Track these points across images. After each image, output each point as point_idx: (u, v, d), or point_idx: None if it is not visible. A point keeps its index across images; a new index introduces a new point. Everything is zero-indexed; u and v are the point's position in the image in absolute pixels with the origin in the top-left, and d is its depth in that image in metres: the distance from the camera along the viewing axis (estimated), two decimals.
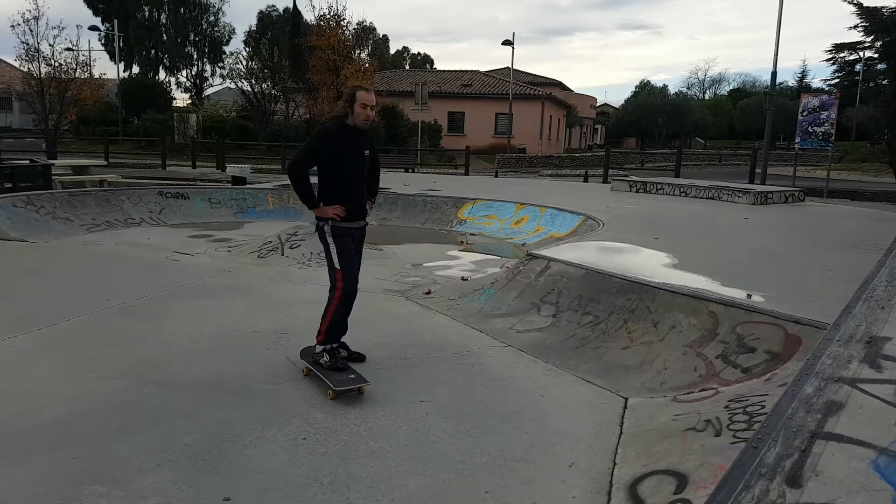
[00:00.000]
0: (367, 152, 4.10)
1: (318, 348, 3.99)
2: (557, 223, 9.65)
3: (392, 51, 67.94)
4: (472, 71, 43.97)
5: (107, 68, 69.47)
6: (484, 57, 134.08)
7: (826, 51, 43.60)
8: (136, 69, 48.32)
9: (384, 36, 64.09)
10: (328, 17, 27.36)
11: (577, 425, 3.42)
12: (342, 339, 4.22)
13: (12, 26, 21.49)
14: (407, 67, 60.38)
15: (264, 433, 3.24)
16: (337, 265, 3.98)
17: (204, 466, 2.92)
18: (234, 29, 50.92)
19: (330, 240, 3.99)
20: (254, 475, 2.86)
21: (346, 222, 3.99)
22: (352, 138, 3.97)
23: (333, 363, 3.92)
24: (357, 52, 29.63)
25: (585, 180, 20.66)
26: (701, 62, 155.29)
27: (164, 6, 47.62)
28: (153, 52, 48.65)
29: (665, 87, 72.03)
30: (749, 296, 4.51)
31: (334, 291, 3.98)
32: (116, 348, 4.38)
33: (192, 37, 48.77)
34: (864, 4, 22.17)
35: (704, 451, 2.83)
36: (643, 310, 4.57)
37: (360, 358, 4.20)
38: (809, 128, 16.84)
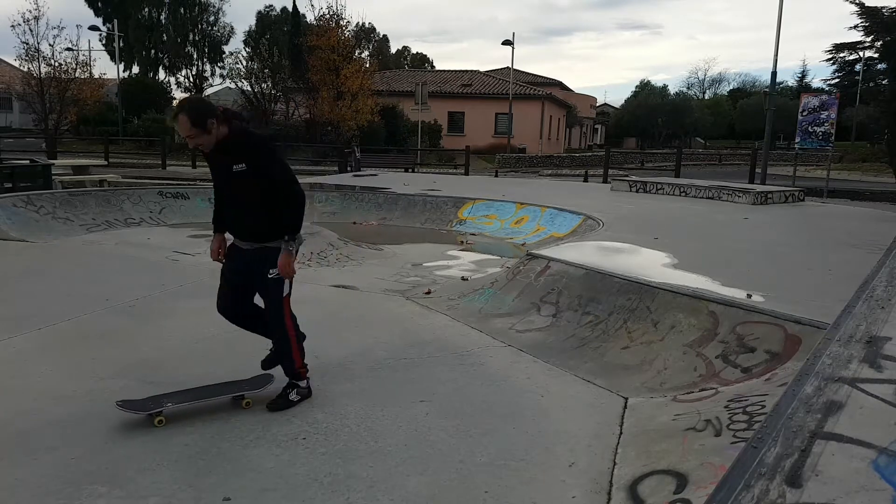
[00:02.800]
0: (237, 167, 3.41)
1: None
2: (557, 223, 9.65)
3: (392, 50, 68.00)
4: (471, 71, 43.95)
5: (107, 68, 69.61)
6: (484, 57, 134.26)
7: (826, 51, 43.71)
8: (136, 69, 48.35)
9: (384, 36, 64.21)
10: (328, 17, 27.40)
11: (577, 425, 3.42)
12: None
13: (12, 26, 21.59)
14: (407, 67, 60.34)
15: (264, 433, 3.24)
16: None
17: (204, 466, 2.92)
18: (233, 28, 50.79)
19: None
20: (254, 475, 2.86)
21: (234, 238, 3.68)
22: (217, 152, 3.51)
23: None
24: (357, 52, 29.66)
25: (585, 180, 20.66)
26: (701, 62, 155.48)
27: (165, 6, 47.60)
28: (153, 52, 48.63)
29: (665, 87, 71.98)
30: (749, 296, 4.51)
31: None
32: (116, 348, 4.38)
33: (191, 37, 48.74)
34: (865, 4, 22.18)
35: (704, 451, 2.83)
36: (643, 310, 4.57)
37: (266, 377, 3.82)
38: (809, 128, 16.84)
